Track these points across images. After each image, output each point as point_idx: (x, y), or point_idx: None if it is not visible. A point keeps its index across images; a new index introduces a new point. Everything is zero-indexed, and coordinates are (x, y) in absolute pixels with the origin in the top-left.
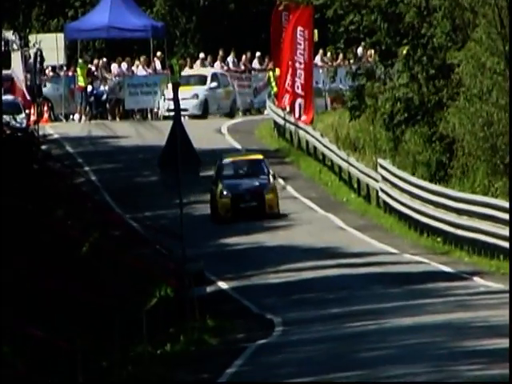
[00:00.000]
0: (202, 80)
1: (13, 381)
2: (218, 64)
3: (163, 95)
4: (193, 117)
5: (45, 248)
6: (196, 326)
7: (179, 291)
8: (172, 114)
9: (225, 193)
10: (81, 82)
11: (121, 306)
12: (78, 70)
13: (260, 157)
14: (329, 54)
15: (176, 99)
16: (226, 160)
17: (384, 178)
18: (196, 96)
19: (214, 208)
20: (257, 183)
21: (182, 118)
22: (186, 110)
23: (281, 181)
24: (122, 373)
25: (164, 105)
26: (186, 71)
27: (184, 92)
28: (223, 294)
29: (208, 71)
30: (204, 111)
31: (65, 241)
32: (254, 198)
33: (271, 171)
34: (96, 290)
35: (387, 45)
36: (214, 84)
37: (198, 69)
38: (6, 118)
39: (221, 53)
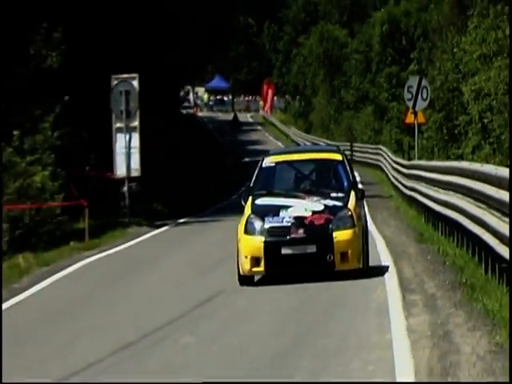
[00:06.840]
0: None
1: None
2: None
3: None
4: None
5: None
6: None
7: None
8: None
9: (255, 225)
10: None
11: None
12: (205, 96)
13: (337, 157)
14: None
15: (233, 109)
16: (268, 160)
17: None
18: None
19: (238, 252)
20: (320, 207)
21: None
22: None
23: None
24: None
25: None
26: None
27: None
28: None
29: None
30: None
31: None
32: (312, 236)
33: (360, 185)
34: None
35: None
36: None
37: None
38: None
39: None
